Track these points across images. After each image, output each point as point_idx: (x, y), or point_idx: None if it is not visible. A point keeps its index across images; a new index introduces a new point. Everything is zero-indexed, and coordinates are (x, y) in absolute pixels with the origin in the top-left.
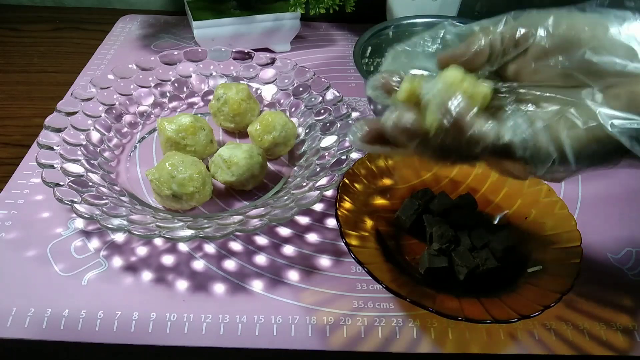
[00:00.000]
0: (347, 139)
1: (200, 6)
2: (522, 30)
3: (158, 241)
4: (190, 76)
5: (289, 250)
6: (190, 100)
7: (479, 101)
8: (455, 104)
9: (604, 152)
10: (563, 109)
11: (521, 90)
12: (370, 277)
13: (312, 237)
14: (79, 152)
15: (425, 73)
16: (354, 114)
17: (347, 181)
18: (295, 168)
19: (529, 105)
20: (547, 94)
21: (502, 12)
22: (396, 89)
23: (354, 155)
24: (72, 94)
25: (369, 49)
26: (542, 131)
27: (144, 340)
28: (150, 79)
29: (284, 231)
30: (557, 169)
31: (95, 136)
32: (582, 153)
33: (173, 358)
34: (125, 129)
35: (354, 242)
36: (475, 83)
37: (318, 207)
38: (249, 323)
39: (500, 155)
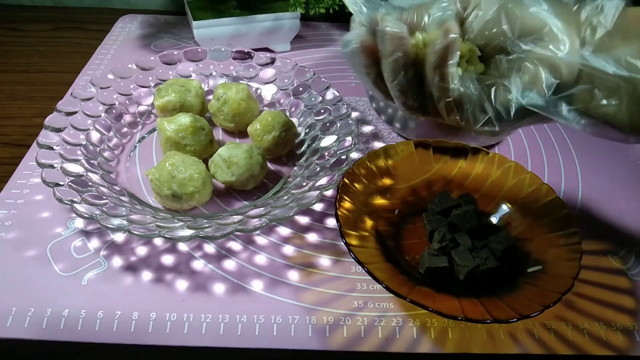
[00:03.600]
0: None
1: (200, 6)
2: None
3: (158, 241)
4: (190, 76)
5: (289, 250)
6: None
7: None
8: (454, 29)
9: (524, 112)
10: (499, 80)
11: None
12: (370, 277)
13: (312, 237)
14: (79, 152)
15: None
16: (354, 114)
17: (347, 181)
18: (295, 168)
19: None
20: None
21: None
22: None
23: (354, 155)
24: (72, 94)
25: None
26: (484, 92)
27: (143, 340)
28: (150, 78)
29: (284, 231)
30: (490, 125)
31: (95, 136)
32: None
33: (173, 358)
34: (125, 129)
35: (354, 242)
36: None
37: (318, 207)
38: (249, 323)
39: (448, 107)
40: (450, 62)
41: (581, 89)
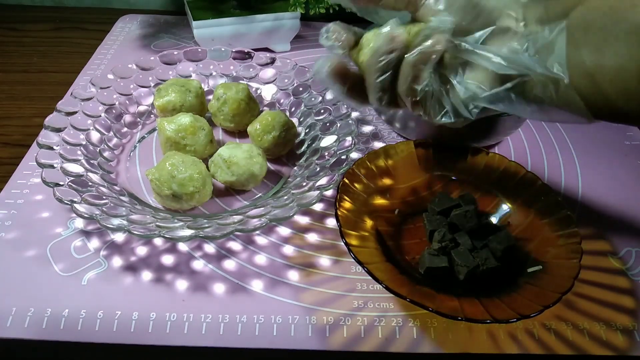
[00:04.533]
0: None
1: (200, 6)
2: None
3: (158, 241)
4: (190, 76)
5: (289, 250)
6: None
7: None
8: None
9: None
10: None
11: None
12: (370, 277)
13: (312, 237)
14: (79, 152)
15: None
16: (354, 114)
17: (347, 181)
18: (295, 168)
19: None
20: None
21: None
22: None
23: (354, 155)
24: (72, 94)
25: None
26: (443, 89)
27: (143, 340)
28: (150, 78)
29: (284, 231)
30: (447, 117)
31: (95, 136)
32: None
33: (173, 358)
34: (125, 129)
35: (354, 242)
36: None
37: (318, 207)
38: (249, 323)
39: (415, 103)
40: (427, 67)
41: (521, 81)
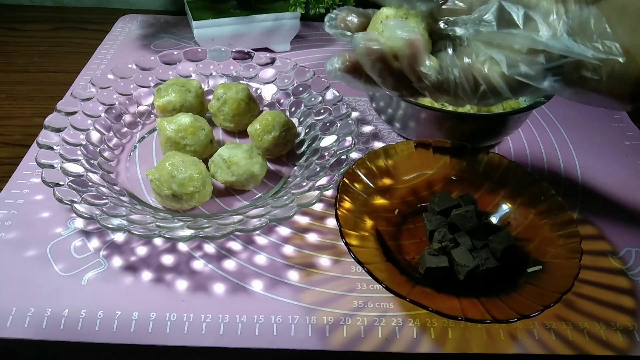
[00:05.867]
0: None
1: (200, 6)
2: None
3: (158, 241)
4: (190, 76)
5: (289, 250)
6: None
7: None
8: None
9: (517, 82)
10: (486, 50)
11: (458, 32)
12: (370, 277)
13: (312, 237)
14: (79, 152)
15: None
16: (354, 114)
17: (347, 181)
18: (295, 168)
19: (465, 44)
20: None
21: None
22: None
23: (354, 155)
24: (72, 94)
25: None
26: (468, 70)
27: (143, 340)
28: (150, 78)
29: (284, 231)
30: (487, 97)
31: (95, 136)
32: (509, 84)
33: (173, 358)
34: (125, 129)
35: (354, 242)
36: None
37: (318, 207)
38: (248, 323)
39: (439, 89)
40: (419, 67)
41: (567, 62)
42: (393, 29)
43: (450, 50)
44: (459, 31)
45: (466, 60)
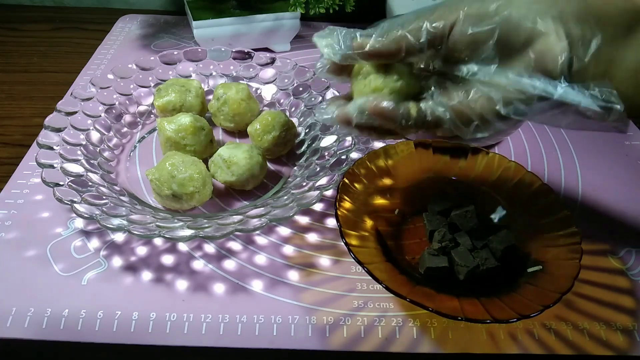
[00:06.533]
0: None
1: (200, 6)
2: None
3: (158, 241)
4: (190, 76)
5: (289, 250)
6: None
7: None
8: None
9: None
10: (482, 88)
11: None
12: (370, 277)
13: (312, 237)
14: (79, 152)
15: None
16: None
17: (347, 181)
18: (295, 168)
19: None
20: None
21: None
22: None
23: (354, 155)
24: (72, 94)
25: None
26: (458, 108)
27: (143, 340)
28: (150, 78)
29: (284, 231)
30: (478, 131)
31: (95, 136)
32: (502, 120)
33: (173, 358)
34: (125, 129)
35: (354, 242)
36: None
37: (318, 207)
38: (248, 323)
39: (431, 126)
40: (396, 124)
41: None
42: (356, 106)
43: (435, 90)
44: (458, 72)
45: (457, 98)
